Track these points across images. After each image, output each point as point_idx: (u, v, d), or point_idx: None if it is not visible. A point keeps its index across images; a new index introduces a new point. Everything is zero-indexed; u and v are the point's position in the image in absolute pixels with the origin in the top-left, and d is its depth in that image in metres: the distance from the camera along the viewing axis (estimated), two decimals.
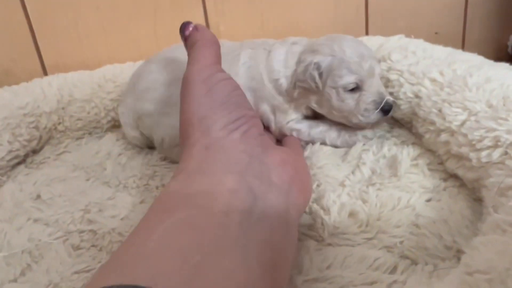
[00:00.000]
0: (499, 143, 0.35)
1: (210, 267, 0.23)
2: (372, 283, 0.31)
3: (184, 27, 0.40)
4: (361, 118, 0.46)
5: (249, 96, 0.47)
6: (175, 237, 0.25)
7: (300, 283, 0.32)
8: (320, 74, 0.46)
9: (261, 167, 0.32)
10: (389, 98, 0.46)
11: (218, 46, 0.39)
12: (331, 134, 0.49)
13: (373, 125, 0.47)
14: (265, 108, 0.49)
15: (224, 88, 0.35)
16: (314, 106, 0.48)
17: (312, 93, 0.47)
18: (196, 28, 0.39)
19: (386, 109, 0.46)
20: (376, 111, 0.46)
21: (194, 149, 0.32)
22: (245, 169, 0.30)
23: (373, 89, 0.46)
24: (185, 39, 0.39)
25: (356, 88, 0.46)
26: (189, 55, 0.38)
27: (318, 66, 0.46)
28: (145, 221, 0.27)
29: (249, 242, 0.26)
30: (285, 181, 0.32)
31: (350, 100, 0.46)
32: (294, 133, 0.49)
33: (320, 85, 0.46)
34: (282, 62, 0.48)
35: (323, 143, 0.49)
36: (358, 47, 0.47)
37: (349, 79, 0.45)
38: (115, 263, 0.24)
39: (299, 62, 0.47)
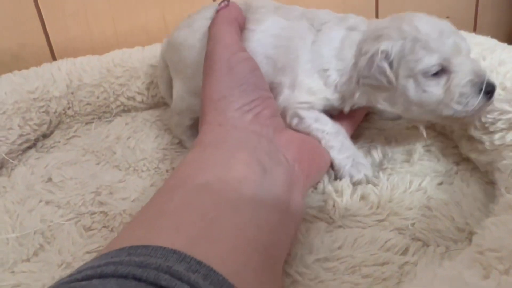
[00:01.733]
0: None
1: (224, 222, 0.27)
2: (383, 264, 0.31)
3: (220, 3, 0.42)
4: (457, 107, 0.35)
5: (264, 65, 0.40)
6: (194, 198, 0.28)
7: (311, 262, 0.32)
8: (391, 64, 0.36)
9: (270, 145, 0.35)
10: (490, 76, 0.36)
11: (238, 23, 0.41)
12: (333, 141, 0.40)
13: (475, 115, 0.36)
14: (283, 80, 0.41)
15: (245, 69, 0.37)
16: (383, 104, 0.39)
17: (381, 90, 0.38)
18: (226, 5, 0.42)
19: (488, 90, 0.35)
20: (478, 93, 0.35)
21: (210, 126, 0.35)
22: (255, 147, 0.33)
23: (465, 68, 0.35)
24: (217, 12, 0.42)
25: (441, 71, 0.36)
26: (211, 28, 0.40)
27: (386, 55, 0.36)
28: (166, 186, 0.31)
29: (258, 205, 0.29)
30: (289, 160, 0.35)
31: (435, 87, 0.36)
32: (295, 120, 0.40)
33: (393, 78, 0.36)
34: (334, 51, 0.39)
35: (318, 141, 0.40)
36: (435, 22, 0.37)
37: (429, 61, 0.35)
38: (142, 219, 0.28)
39: (359, 54, 0.38)
